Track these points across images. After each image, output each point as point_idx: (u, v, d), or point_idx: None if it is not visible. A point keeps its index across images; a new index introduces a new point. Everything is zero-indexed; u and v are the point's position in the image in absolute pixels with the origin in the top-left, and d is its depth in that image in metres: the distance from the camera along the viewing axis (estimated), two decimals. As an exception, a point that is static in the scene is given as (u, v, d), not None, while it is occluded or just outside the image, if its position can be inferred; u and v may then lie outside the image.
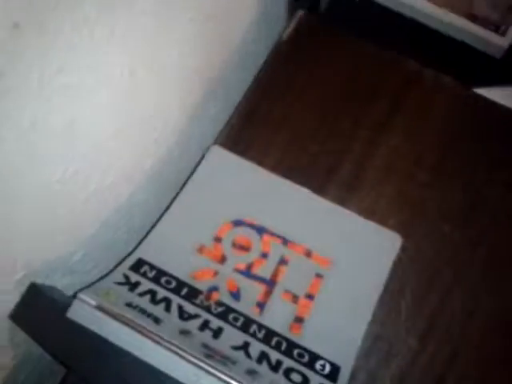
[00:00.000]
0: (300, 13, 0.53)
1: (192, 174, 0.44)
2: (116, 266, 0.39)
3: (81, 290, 0.34)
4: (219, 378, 0.31)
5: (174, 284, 0.38)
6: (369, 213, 0.44)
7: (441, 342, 0.41)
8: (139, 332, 0.32)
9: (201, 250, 0.41)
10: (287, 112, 0.49)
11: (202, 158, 0.45)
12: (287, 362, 0.35)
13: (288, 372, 0.34)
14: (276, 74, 0.51)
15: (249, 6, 0.51)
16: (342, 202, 0.45)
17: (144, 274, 0.38)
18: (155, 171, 0.45)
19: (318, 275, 0.40)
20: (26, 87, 0.26)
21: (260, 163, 0.46)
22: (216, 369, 0.31)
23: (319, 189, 0.45)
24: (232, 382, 0.31)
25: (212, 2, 0.44)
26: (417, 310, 0.42)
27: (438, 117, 0.49)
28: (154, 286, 0.37)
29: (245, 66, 0.54)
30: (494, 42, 0.50)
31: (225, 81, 0.52)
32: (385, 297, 0.40)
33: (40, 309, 0.35)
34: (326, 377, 0.35)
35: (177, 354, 0.32)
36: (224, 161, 0.46)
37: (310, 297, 0.39)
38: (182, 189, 0.43)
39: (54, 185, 0.33)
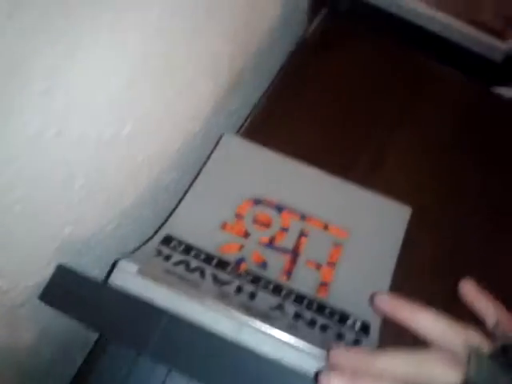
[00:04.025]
0: (324, 11, 0.57)
1: (209, 158, 0.46)
2: (145, 243, 0.40)
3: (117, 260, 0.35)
4: (261, 330, 0.33)
5: (203, 256, 0.39)
6: (386, 192, 0.47)
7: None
8: (183, 293, 0.34)
9: (224, 226, 0.43)
10: (310, 105, 0.53)
11: (217, 143, 0.48)
12: (321, 320, 0.37)
13: (323, 328, 0.36)
14: (300, 68, 0.55)
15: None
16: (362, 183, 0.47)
17: (174, 248, 0.39)
18: (180, 154, 0.47)
19: (337, 244, 0.43)
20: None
21: (282, 150, 0.48)
22: (257, 322, 0.33)
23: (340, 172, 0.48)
24: (274, 332, 0.32)
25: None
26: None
27: (451, 108, 0.54)
28: (186, 257, 0.39)
29: (269, 58, 0.57)
30: (496, 46, 0.54)
31: (251, 73, 0.55)
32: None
33: (73, 284, 0.36)
34: (359, 332, 0.37)
35: (219, 311, 0.33)
36: (239, 146, 0.48)
37: (331, 264, 0.41)
38: (201, 170, 0.45)
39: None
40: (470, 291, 0.34)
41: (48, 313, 0.39)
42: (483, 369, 0.29)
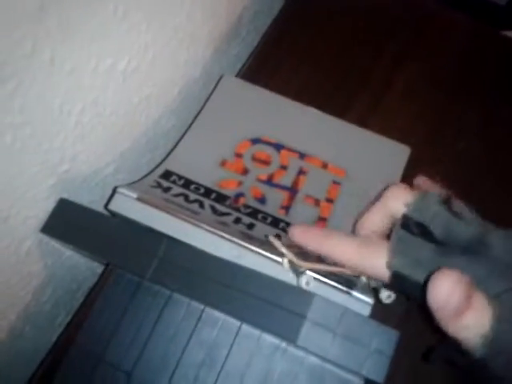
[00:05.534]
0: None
1: (209, 97, 0.46)
2: (144, 177, 0.40)
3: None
4: (260, 254, 0.33)
5: (202, 190, 0.40)
6: (386, 132, 0.47)
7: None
8: (182, 219, 0.34)
9: (223, 163, 0.43)
10: (309, 47, 0.53)
11: (217, 85, 0.48)
12: (318, 250, 0.37)
13: (320, 256, 0.37)
14: (298, 12, 0.55)
15: None
16: (361, 124, 0.47)
17: (174, 182, 0.40)
18: (181, 99, 0.47)
19: (336, 182, 0.43)
20: None
21: (281, 92, 0.48)
22: (256, 246, 0.33)
23: (340, 112, 0.48)
24: (273, 256, 0.33)
25: None
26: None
27: (456, 49, 0.53)
28: (185, 190, 0.39)
29: (269, 2, 0.56)
30: None
31: (250, 17, 0.54)
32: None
33: (75, 215, 0.36)
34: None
35: (219, 236, 0.34)
36: (238, 86, 0.48)
37: (329, 200, 0.42)
38: (201, 110, 0.45)
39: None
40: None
41: (52, 249, 0.40)
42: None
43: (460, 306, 0.24)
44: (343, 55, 0.53)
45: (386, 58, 0.53)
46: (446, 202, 0.29)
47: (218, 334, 0.33)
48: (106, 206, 0.35)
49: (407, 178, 0.44)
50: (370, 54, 0.53)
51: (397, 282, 0.27)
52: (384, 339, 0.29)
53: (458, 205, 0.29)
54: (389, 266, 0.27)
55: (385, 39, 0.54)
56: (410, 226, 0.28)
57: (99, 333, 0.34)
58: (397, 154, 0.45)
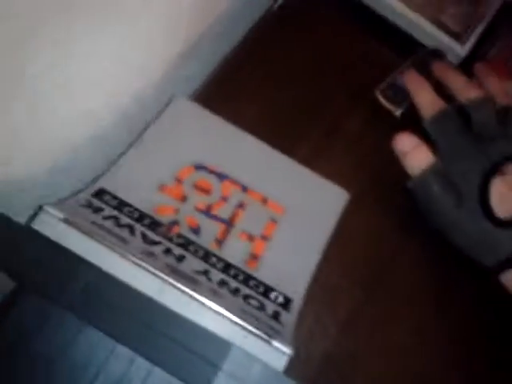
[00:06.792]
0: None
1: (157, 117, 0.45)
2: (76, 194, 0.38)
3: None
4: (183, 292, 0.32)
5: (136, 214, 0.39)
6: (329, 175, 0.47)
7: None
8: (107, 246, 0.33)
9: (162, 188, 0.42)
10: (270, 73, 0.53)
11: (167, 105, 0.46)
12: (245, 290, 0.37)
13: (246, 298, 0.36)
14: (259, 41, 0.54)
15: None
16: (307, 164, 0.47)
17: (107, 202, 0.38)
18: (130, 115, 0.46)
19: (273, 220, 0.43)
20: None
21: (234, 121, 0.47)
22: (180, 283, 0.33)
23: (288, 149, 0.48)
24: (195, 295, 0.32)
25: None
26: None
27: None
28: (117, 213, 0.38)
29: (231, 28, 0.56)
30: (455, 49, 0.55)
31: (210, 40, 0.54)
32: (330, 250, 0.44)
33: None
34: (280, 305, 0.37)
35: (143, 268, 0.33)
36: (188, 110, 0.47)
37: (264, 238, 0.42)
38: (146, 129, 0.44)
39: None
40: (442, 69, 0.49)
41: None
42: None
43: (406, 150, 0.43)
44: (305, 85, 0.53)
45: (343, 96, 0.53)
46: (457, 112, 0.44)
47: (128, 370, 0.31)
48: (29, 223, 0.33)
49: (343, 223, 0.45)
50: (323, 94, 0.53)
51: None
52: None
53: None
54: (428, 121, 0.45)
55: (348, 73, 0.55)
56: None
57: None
58: (335, 197, 0.46)
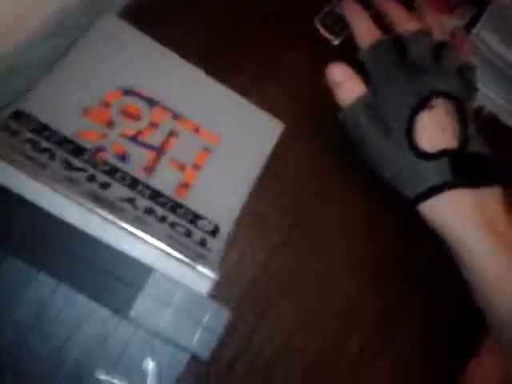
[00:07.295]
0: None
1: (83, 36, 0.42)
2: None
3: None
4: (108, 220, 0.32)
5: (56, 138, 0.37)
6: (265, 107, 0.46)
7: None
8: (26, 173, 0.31)
9: (87, 112, 0.39)
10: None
11: (94, 22, 0.43)
12: (172, 218, 0.37)
13: (173, 225, 0.36)
14: None
15: None
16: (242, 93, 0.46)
17: (24, 125, 0.36)
18: (54, 30, 0.42)
19: (206, 149, 0.42)
20: None
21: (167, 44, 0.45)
22: (102, 210, 0.32)
23: (224, 78, 0.46)
24: (118, 221, 0.32)
25: None
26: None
27: None
28: (36, 136, 0.36)
29: None
30: None
31: None
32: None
33: None
34: (207, 233, 0.37)
35: (66, 196, 0.31)
36: (118, 28, 0.44)
37: (196, 167, 0.41)
38: (70, 48, 0.41)
39: None
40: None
41: None
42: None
43: (338, 80, 0.43)
44: (249, 14, 0.51)
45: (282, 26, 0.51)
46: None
47: (51, 296, 0.31)
48: None
49: (277, 155, 0.45)
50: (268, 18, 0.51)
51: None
52: (215, 317, 0.29)
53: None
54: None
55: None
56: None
57: None
58: (270, 128, 0.45)
